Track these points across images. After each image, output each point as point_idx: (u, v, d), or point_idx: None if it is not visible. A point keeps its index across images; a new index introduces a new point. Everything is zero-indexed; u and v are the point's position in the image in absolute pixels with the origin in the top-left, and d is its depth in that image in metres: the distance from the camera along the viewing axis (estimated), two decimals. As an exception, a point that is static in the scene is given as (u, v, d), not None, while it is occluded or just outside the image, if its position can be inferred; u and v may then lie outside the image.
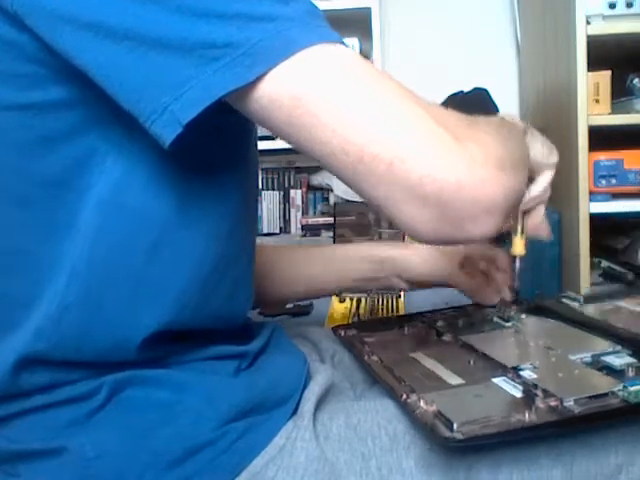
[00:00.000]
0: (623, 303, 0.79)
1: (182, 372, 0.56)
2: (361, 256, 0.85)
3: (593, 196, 1.57)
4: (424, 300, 0.98)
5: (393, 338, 0.74)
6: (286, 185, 2.09)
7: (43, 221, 0.51)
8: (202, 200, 0.54)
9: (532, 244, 0.77)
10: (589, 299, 0.79)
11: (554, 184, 0.67)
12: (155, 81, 0.44)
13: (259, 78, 0.44)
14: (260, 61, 0.44)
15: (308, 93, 0.44)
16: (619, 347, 0.61)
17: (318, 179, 2.07)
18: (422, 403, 0.53)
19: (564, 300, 0.79)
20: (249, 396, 0.56)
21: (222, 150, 0.55)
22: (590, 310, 0.75)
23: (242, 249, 0.62)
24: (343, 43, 0.47)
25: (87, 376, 0.53)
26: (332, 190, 2.03)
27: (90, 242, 0.51)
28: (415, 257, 0.83)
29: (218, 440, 0.53)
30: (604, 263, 1.74)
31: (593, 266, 1.65)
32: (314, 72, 0.44)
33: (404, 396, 0.55)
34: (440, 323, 0.76)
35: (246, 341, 0.62)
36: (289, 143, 0.48)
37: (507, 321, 0.74)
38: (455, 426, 0.48)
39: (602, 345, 0.63)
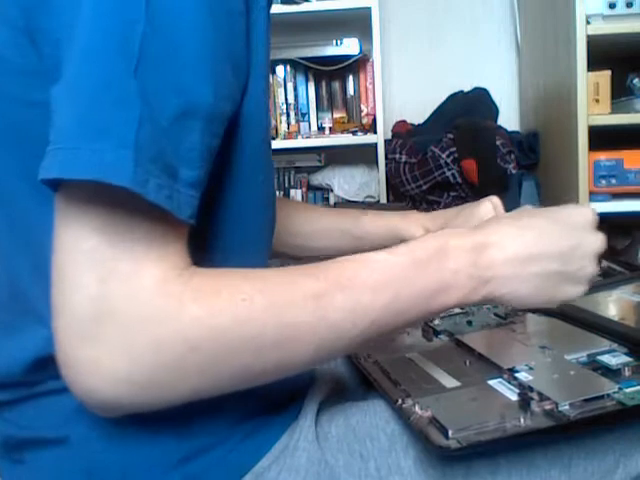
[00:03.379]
0: (620, 292, 0.78)
1: None
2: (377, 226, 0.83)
3: (593, 196, 1.57)
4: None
5: (389, 336, 0.74)
6: (286, 185, 2.09)
7: None
8: None
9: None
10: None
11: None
12: None
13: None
14: None
15: None
16: (615, 345, 0.61)
17: (318, 179, 2.06)
18: (417, 408, 0.53)
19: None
20: (257, 396, 0.56)
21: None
22: (587, 303, 0.74)
23: None
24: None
25: None
26: (332, 190, 2.03)
27: None
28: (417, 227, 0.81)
29: (227, 439, 0.52)
30: (604, 263, 1.73)
31: (593, 266, 1.65)
32: None
33: (399, 401, 0.55)
34: (437, 321, 0.76)
35: None
36: None
37: (504, 318, 0.74)
38: (450, 433, 0.48)
39: (598, 343, 0.62)
